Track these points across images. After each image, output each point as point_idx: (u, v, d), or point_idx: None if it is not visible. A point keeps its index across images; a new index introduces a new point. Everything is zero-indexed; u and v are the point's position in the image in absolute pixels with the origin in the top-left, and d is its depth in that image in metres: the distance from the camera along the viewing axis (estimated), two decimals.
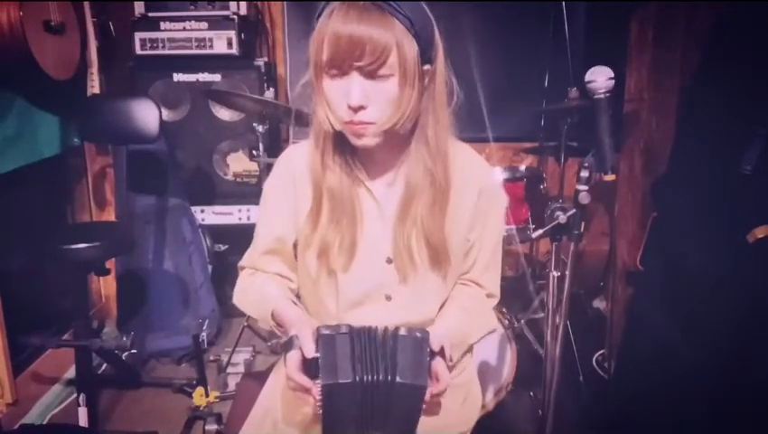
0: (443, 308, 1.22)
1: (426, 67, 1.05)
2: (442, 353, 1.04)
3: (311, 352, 0.98)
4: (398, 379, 0.97)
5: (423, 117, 1.09)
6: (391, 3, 0.98)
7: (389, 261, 1.16)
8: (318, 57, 1.01)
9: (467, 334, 1.21)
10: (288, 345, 1.02)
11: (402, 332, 1.00)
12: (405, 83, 1.01)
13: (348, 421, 0.99)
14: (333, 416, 0.98)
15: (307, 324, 1.04)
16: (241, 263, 1.28)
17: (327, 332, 0.98)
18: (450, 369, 1.06)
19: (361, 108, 1.01)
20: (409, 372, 0.97)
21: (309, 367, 0.99)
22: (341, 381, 0.95)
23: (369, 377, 0.97)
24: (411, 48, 1.00)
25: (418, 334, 1.01)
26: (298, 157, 1.18)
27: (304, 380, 0.99)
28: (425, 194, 1.12)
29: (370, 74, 1.00)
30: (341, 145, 1.12)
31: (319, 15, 1.02)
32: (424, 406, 1.02)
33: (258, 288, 1.21)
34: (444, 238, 1.14)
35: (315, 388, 0.96)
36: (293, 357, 1.00)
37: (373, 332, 1.02)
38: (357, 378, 0.96)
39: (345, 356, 0.96)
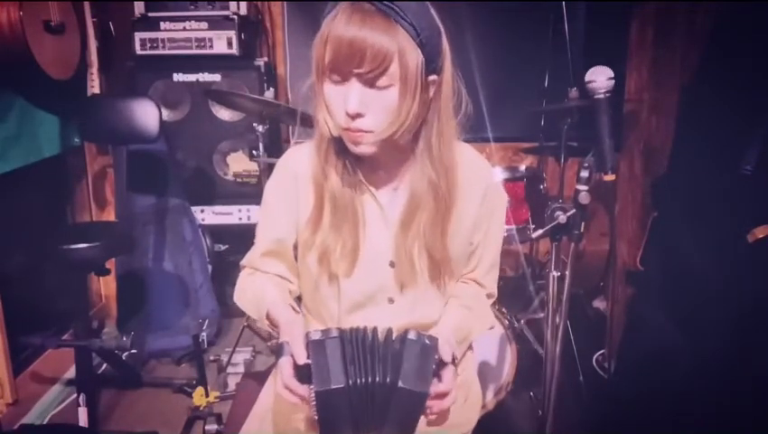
0: (446, 308, 1.22)
1: (432, 78, 1.02)
2: (453, 361, 1.03)
3: (302, 358, 0.96)
4: (399, 383, 0.95)
5: (427, 128, 1.07)
6: (396, 7, 0.95)
7: (392, 265, 1.15)
8: (320, 59, 1.00)
9: (470, 331, 1.22)
10: (279, 352, 1.00)
11: (411, 336, 0.98)
12: (405, 94, 0.99)
13: (345, 424, 0.99)
14: (330, 420, 0.97)
15: (298, 330, 1.01)
16: (242, 262, 1.28)
17: (317, 337, 0.96)
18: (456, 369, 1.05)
19: (359, 115, 1.00)
20: (412, 377, 0.96)
21: (302, 373, 0.97)
22: (333, 386, 0.93)
23: (364, 379, 0.96)
24: (414, 57, 0.97)
25: (427, 341, 0.99)
26: (300, 159, 1.17)
27: (299, 387, 0.97)
28: (428, 206, 1.10)
29: (370, 82, 0.98)
30: (344, 149, 1.10)
31: (326, 16, 1.00)
32: (430, 413, 1.01)
33: (257, 288, 1.20)
34: (446, 250, 1.13)
35: (310, 394, 0.95)
36: (285, 364, 0.98)
37: (369, 332, 1.01)
38: (350, 382, 0.94)
39: (337, 361, 0.95)
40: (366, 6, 0.96)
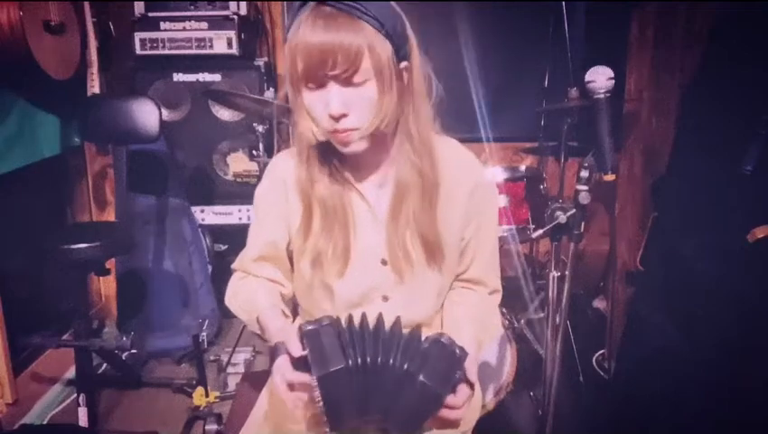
0: (454, 319, 1.22)
1: (403, 64, 1.05)
2: (472, 384, 1.04)
3: (298, 351, 0.97)
4: (421, 377, 0.96)
5: (405, 115, 1.09)
6: (357, 6, 0.97)
7: (384, 263, 1.16)
8: (293, 70, 1.01)
9: (482, 343, 1.22)
10: (275, 353, 1.01)
11: (444, 340, 1.00)
12: (383, 85, 1.01)
13: (350, 408, 0.99)
14: (335, 406, 0.97)
15: (290, 329, 1.03)
16: (234, 265, 1.28)
17: (310, 327, 0.97)
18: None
19: (343, 115, 1.01)
20: (436, 377, 0.97)
21: (300, 366, 0.98)
22: (332, 368, 0.94)
23: (371, 359, 0.96)
24: (384, 49, 1.00)
25: (457, 351, 1.00)
26: (287, 166, 1.18)
27: (301, 376, 0.97)
28: (415, 191, 1.12)
29: (347, 81, 1.00)
30: (326, 153, 1.12)
31: (289, 27, 1.02)
32: (434, 419, 1.01)
33: (248, 293, 1.21)
34: (437, 232, 1.14)
35: (312, 383, 0.95)
36: (283, 362, 0.99)
37: (371, 319, 1.02)
38: (350, 362, 0.95)
39: (333, 345, 0.96)
40: (327, 10, 0.98)
